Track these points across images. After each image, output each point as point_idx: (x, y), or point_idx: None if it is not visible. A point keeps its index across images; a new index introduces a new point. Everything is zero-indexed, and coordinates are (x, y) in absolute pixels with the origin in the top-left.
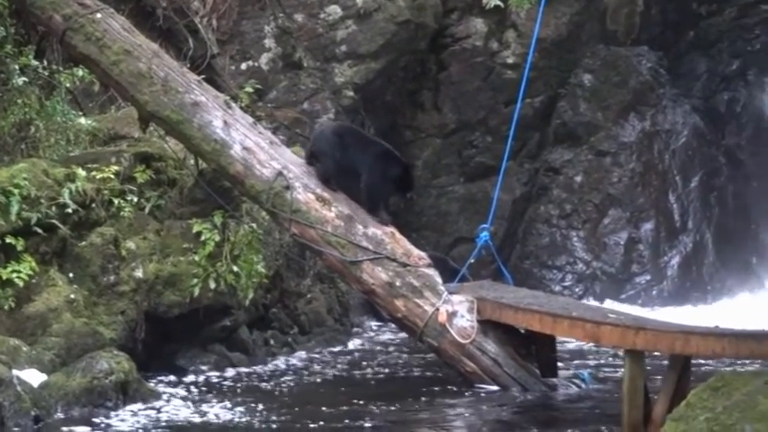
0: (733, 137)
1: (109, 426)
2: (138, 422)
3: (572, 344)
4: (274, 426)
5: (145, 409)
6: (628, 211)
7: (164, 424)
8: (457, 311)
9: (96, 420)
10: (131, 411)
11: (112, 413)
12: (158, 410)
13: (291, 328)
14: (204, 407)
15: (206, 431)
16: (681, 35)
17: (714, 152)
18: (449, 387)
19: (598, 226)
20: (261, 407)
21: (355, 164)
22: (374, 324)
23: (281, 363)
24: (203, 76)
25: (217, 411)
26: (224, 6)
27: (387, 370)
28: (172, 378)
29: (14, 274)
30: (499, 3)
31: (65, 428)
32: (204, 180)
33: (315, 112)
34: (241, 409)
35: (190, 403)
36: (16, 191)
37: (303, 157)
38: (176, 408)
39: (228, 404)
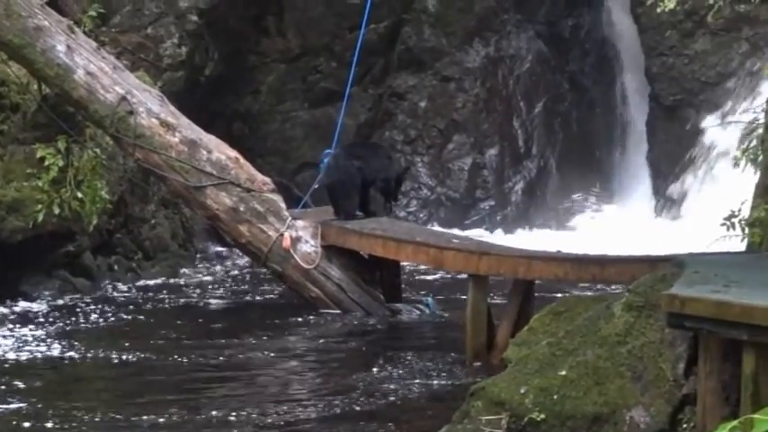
0: (577, 63)
1: None
2: None
3: (417, 269)
4: (115, 361)
5: None
6: (472, 136)
7: (3, 354)
8: (301, 237)
9: None
10: None
11: None
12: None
13: (136, 254)
14: (41, 336)
15: (40, 364)
16: None
17: (558, 78)
18: (293, 313)
19: (442, 151)
20: (98, 338)
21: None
22: (218, 249)
23: (124, 289)
24: (46, 0)
25: (51, 342)
26: None
27: (231, 297)
28: (15, 304)
29: None
30: None
31: None
32: (47, 105)
33: (159, 37)
34: (77, 340)
35: (28, 331)
36: None
37: (148, 83)
38: (15, 336)
39: (65, 334)
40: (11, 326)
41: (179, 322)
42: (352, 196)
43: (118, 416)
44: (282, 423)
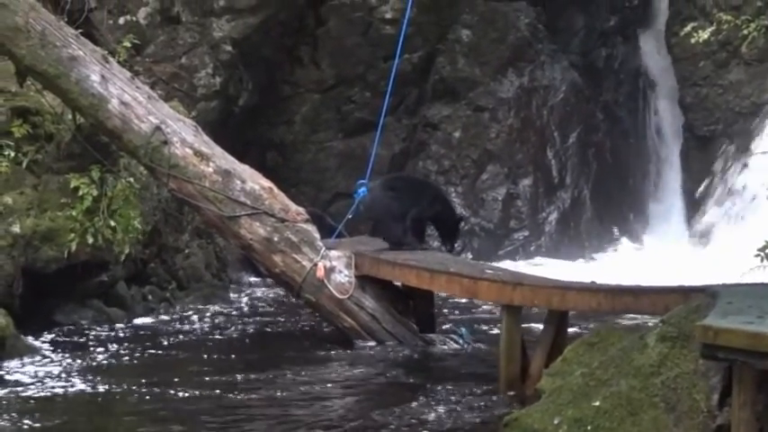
0: (610, 93)
1: None
2: (13, 380)
3: (451, 299)
4: (145, 394)
5: (22, 366)
6: (506, 166)
7: (34, 387)
8: (335, 267)
9: None
10: (7, 368)
11: None
12: (33, 368)
13: (170, 284)
14: (70, 369)
15: (66, 398)
16: None
17: (592, 108)
18: (326, 344)
19: (476, 182)
20: (129, 370)
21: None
22: (252, 279)
23: (158, 319)
24: (81, 31)
25: (79, 375)
26: None
27: (264, 327)
28: (48, 334)
29: None
30: None
31: None
32: (82, 135)
33: (193, 67)
34: (106, 373)
35: (58, 364)
36: None
37: (182, 112)
38: (45, 368)
39: (95, 367)
40: (43, 357)
41: (212, 354)
42: (395, 224)
43: None
44: None
